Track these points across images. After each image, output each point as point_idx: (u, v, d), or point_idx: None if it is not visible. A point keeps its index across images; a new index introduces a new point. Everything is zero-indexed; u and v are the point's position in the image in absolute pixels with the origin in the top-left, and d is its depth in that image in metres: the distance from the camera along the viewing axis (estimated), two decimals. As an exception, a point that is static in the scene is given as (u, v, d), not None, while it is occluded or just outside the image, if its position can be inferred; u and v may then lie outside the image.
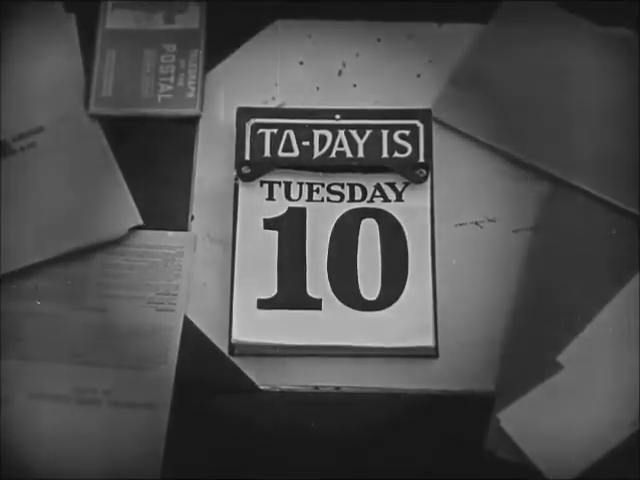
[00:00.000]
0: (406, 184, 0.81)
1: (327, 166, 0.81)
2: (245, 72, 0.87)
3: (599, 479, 0.73)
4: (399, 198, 0.81)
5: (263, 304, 0.78)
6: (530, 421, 0.74)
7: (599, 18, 0.87)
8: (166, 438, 0.76)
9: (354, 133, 0.81)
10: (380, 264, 0.79)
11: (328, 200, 0.81)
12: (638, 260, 0.79)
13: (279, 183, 0.81)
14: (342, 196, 0.81)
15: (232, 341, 0.77)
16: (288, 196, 0.81)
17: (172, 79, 0.86)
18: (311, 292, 0.78)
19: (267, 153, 0.81)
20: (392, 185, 0.81)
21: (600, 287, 0.78)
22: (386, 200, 0.81)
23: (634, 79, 0.84)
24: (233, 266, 0.79)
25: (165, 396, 0.77)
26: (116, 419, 0.77)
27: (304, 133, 0.81)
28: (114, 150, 0.84)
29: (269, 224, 0.80)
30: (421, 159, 0.81)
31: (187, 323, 0.79)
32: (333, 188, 0.81)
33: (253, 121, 0.82)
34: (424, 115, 0.82)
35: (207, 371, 0.78)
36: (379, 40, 0.88)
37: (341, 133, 0.81)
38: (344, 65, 0.87)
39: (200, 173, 0.84)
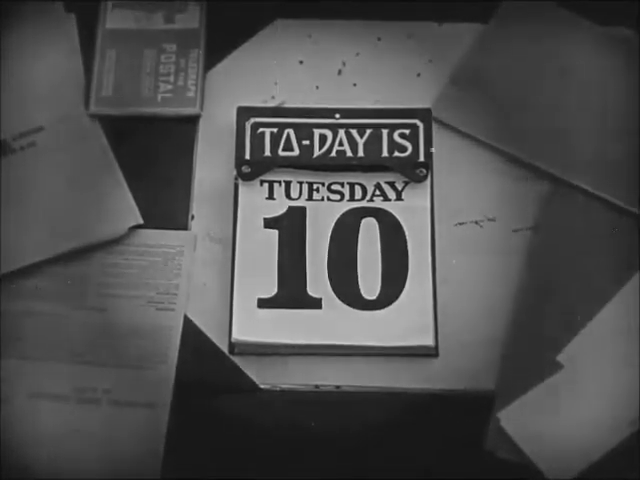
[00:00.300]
0: (406, 183, 0.81)
1: (327, 165, 0.81)
2: (245, 72, 0.87)
3: (599, 479, 0.73)
4: (399, 197, 0.81)
5: (263, 303, 0.78)
6: (530, 421, 0.74)
7: (599, 18, 0.87)
8: (166, 438, 0.76)
9: (354, 132, 0.81)
10: (380, 263, 0.79)
11: (328, 199, 0.81)
12: (638, 260, 0.79)
13: (279, 182, 0.81)
14: (342, 195, 0.81)
15: (232, 340, 0.77)
16: (288, 195, 0.81)
17: (172, 79, 0.86)
18: (311, 291, 0.78)
19: (267, 152, 0.81)
20: (392, 184, 0.81)
21: (600, 287, 0.78)
22: (386, 199, 0.81)
23: (634, 79, 0.84)
24: (233, 265, 0.79)
25: (165, 395, 0.77)
26: (116, 418, 0.76)
27: (304, 132, 0.81)
28: (114, 150, 0.84)
29: (269, 223, 0.80)
30: (421, 158, 0.81)
31: (187, 322, 0.79)
32: (333, 187, 0.81)
33: (253, 120, 0.82)
34: (424, 114, 0.82)
35: (207, 370, 0.78)
36: (379, 39, 0.88)
37: (341, 132, 0.81)
38: (344, 64, 0.87)
39: (200, 172, 0.84)
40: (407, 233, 0.79)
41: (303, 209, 0.80)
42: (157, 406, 0.77)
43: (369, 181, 0.81)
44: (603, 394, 0.75)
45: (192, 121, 0.85)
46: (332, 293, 0.78)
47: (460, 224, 0.82)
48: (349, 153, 0.81)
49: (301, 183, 0.81)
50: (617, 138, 0.82)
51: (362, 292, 0.78)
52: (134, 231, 0.81)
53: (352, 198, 0.81)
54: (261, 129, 0.82)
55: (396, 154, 0.81)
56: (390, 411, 0.77)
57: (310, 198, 0.81)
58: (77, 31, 0.88)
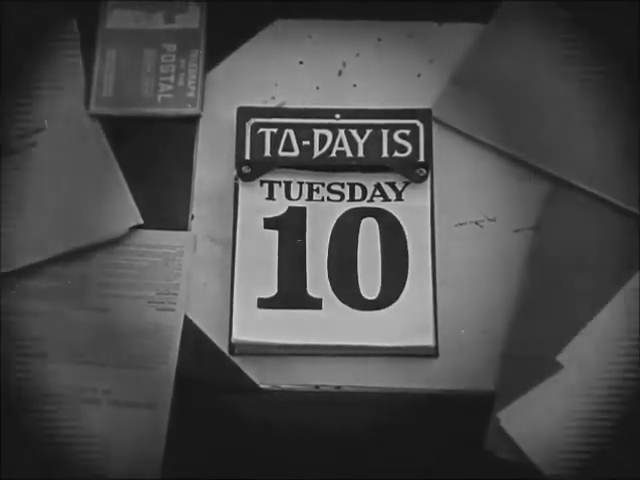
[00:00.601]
0: (406, 183, 0.81)
1: (327, 165, 0.81)
2: (245, 72, 0.87)
3: (599, 479, 0.73)
4: (399, 197, 0.81)
5: (263, 303, 0.78)
6: (530, 421, 0.74)
7: (599, 18, 0.87)
8: (166, 438, 0.76)
9: (354, 132, 0.81)
10: (380, 263, 0.79)
11: (328, 199, 0.81)
12: (638, 260, 0.79)
13: (279, 183, 0.81)
14: (342, 195, 0.81)
15: (232, 340, 0.78)
16: (288, 196, 0.81)
17: (172, 79, 0.86)
18: (311, 291, 0.78)
19: (267, 153, 0.81)
20: (392, 184, 0.81)
21: (600, 287, 0.78)
22: (386, 199, 0.81)
23: (634, 79, 0.84)
24: (233, 266, 0.79)
25: (165, 396, 0.77)
26: (116, 419, 0.76)
27: (304, 132, 0.81)
28: (114, 150, 0.84)
29: (269, 223, 0.80)
30: (421, 158, 0.81)
31: (187, 323, 0.79)
32: (333, 187, 0.81)
33: (253, 121, 0.82)
34: (424, 115, 0.82)
35: (207, 371, 0.78)
36: (379, 40, 0.88)
37: (341, 132, 0.81)
38: (344, 65, 0.87)
39: (200, 173, 0.84)
40: (407, 233, 0.79)
41: (303, 209, 0.80)
42: (157, 406, 0.77)
43: (369, 181, 0.81)
44: (603, 394, 0.75)
45: (192, 121, 0.85)
46: (332, 293, 0.78)
47: (460, 224, 0.82)
48: (349, 153, 0.81)
49: (301, 183, 0.81)
50: (617, 138, 0.82)
51: (362, 292, 0.78)
52: (134, 231, 0.81)
53: (352, 198, 0.81)
54: (261, 129, 0.82)
55: (396, 154, 0.81)
56: (390, 411, 0.77)
57: (310, 198, 0.81)
58: (77, 31, 0.88)
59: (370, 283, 0.78)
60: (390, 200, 0.81)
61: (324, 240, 0.80)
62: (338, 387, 0.78)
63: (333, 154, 0.81)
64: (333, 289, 0.78)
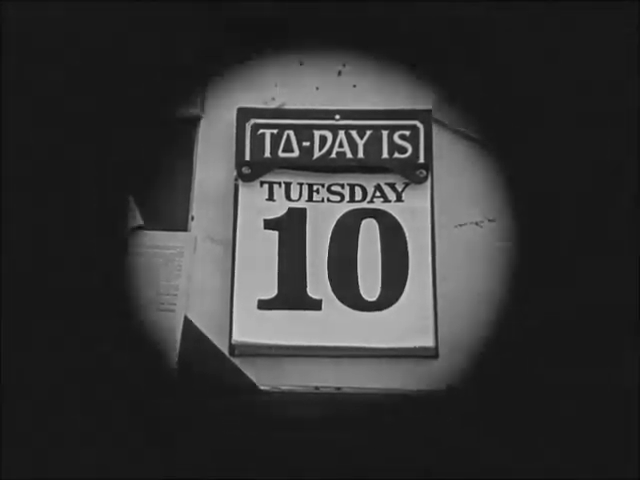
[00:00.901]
0: (406, 184, 0.81)
1: (327, 166, 0.81)
2: (245, 72, 0.87)
3: (599, 479, 0.73)
4: (399, 198, 0.81)
5: (263, 304, 0.78)
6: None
7: (599, 18, 0.87)
8: (166, 438, 0.76)
9: (354, 133, 0.81)
10: (380, 264, 0.79)
11: (328, 200, 0.81)
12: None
13: (279, 183, 0.81)
14: (342, 196, 0.81)
15: (232, 341, 0.78)
16: (288, 196, 0.81)
17: (172, 79, 0.86)
18: (311, 292, 0.78)
19: (267, 153, 0.81)
20: (392, 185, 0.81)
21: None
22: (386, 200, 0.81)
23: (633, 79, 0.84)
24: (233, 266, 0.79)
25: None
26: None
27: (304, 133, 0.81)
28: (114, 150, 0.84)
29: (269, 224, 0.80)
30: (421, 159, 0.81)
31: (187, 323, 0.79)
32: (333, 188, 0.81)
33: (253, 121, 0.82)
34: (424, 116, 0.82)
35: (207, 371, 0.78)
36: (379, 40, 0.88)
37: (341, 133, 0.81)
38: (344, 65, 0.87)
39: (200, 173, 0.84)
40: (407, 234, 0.80)
41: (303, 210, 0.81)
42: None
43: (369, 182, 0.81)
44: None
45: (193, 122, 0.85)
46: (332, 294, 0.78)
47: (460, 225, 0.82)
48: (349, 154, 0.81)
49: (301, 184, 0.81)
50: (618, 140, 0.82)
51: (362, 293, 0.78)
52: (134, 232, 0.82)
53: (352, 199, 0.81)
54: (261, 130, 0.82)
55: (396, 155, 0.81)
56: (390, 412, 0.77)
57: (310, 199, 0.81)
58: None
59: (370, 284, 0.78)
60: (390, 201, 0.81)
61: (324, 241, 0.80)
62: (338, 388, 0.78)
63: (333, 155, 0.81)
64: (333, 290, 0.78)
